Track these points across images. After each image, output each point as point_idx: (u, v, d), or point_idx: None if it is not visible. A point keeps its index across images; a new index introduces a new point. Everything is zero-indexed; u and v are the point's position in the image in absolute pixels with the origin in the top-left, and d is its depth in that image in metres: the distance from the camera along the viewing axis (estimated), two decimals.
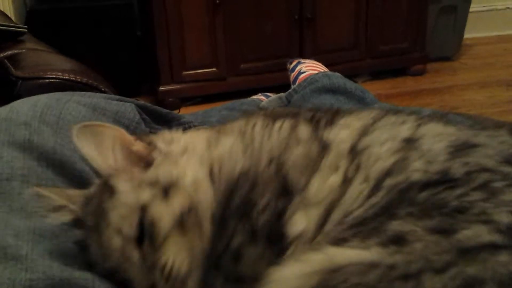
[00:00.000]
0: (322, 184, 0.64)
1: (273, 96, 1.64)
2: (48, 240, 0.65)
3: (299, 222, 0.62)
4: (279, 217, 0.63)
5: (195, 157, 0.72)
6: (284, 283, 0.53)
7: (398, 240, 0.50)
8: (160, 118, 1.06)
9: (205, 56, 3.16)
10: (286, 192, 0.65)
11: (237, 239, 0.63)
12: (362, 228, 0.55)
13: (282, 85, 1.85)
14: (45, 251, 0.63)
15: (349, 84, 1.50)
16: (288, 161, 0.67)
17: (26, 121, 0.76)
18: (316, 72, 1.63)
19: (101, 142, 0.67)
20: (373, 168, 0.62)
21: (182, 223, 0.65)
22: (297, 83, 1.61)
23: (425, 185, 0.57)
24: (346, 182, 0.63)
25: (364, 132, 0.67)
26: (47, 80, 1.46)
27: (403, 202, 0.56)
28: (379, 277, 0.48)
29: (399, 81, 3.49)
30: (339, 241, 0.54)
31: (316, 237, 0.61)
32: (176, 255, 0.63)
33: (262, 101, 1.62)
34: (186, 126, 1.10)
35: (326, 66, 1.79)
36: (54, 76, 1.47)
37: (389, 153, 0.62)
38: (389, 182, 0.59)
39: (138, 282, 0.63)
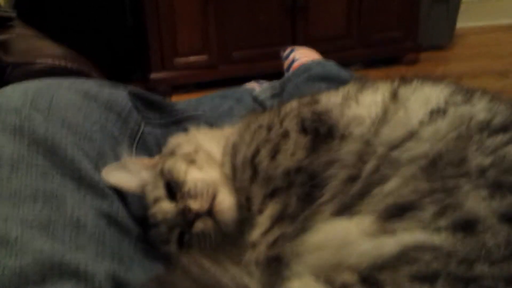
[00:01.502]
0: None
1: (266, 84, 1.63)
2: (37, 227, 0.64)
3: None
4: None
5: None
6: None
7: (468, 227, 0.52)
8: (153, 105, 1.05)
9: (197, 43, 3.14)
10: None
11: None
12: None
13: (275, 73, 1.84)
14: (35, 237, 0.62)
15: (343, 72, 1.50)
16: None
17: (16, 108, 0.74)
18: (310, 59, 1.62)
19: (128, 170, 0.84)
20: None
21: (193, 160, 0.81)
22: (290, 71, 1.60)
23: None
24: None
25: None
26: (38, 66, 1.44)
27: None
28: (434, 259, 0.50)
29: (392, 70, 3.49)
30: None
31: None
32: (197, 180, 0.78)
33: (256, 89, 1.61)
34: (178, 113, 1.09)
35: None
36: (44, 62, 1.45)
37: None
38: None
39: (176, 224, 0.78)
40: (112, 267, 0.68)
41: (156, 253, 0.82)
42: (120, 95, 0.94)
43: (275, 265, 0.63)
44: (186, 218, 0.76)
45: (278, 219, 0.69)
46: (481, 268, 0.49)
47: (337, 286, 0.54)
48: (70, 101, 0.83)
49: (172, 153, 0.85)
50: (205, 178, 0.79)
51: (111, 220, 0.74)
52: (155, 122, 1.03)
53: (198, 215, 0.75)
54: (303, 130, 0.73)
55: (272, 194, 0.72)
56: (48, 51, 1.57)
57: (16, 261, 0.58)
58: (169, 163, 0.82)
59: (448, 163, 0.59)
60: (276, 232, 0.68)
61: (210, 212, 0.76)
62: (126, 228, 0.77)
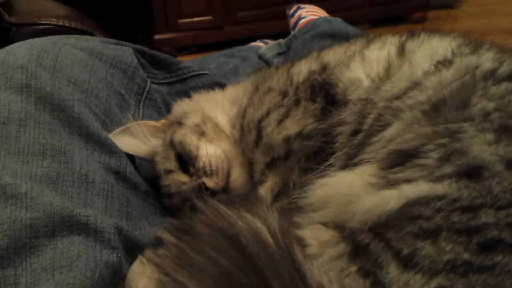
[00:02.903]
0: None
1: (272, 42, 1.61)
2: (45, 182, 0.64)
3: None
4: None
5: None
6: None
7: (474, 174, 0.52)
8: (159, 63, 1.04)
9: (201, 4, 3.10)
10: None
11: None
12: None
13: (280, 34, 1.81)
14: (44, 191, 0.62)
15: (351, 29, 1.48)
16: None
17: (22, 65, 0.74)
18: (316, 17, 1.59)
19: (135, 135, 0.85)
20: None
21: (202, 132, 0.82)
22: (297, 29, 1.58)
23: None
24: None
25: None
26: (42, 27, 1.43)
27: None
28: (438, 209, 0.51)
29: (399, 29, 3.37)
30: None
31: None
32: (211, 156, 0.78)
33: (261, 47, 1.59)
34: (184, 71, 1.08)
35: None
36: (48, 22, 1.44)
37: None
38: None
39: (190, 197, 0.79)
40: (120, 222, 0.68)
41: (164, 210, 0.83)
42: (125, 52, 0.93)
43: (285, 215, 0.63)
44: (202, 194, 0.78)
45: (278, 195, 0.72)
46: (486, 216, 0.49)
47: (347, 231, 0.55)
48: (76, 58, 0.82)
49: (180, 123, 0.85)
50: (218, 153, 0.80)
51: (119, 176, 0.75)
52: (160, 80, 1.03)
53: (214, 192, 0.78)
54: (312, 98, 0.75)
55: (271, 164, 0.74)
56: (51, 11, 1.55)
57: (27, 214, 0.59)
58: (179, 135, 0.83)
59: (451, 107, 0.59)
60: (277, 206, 0.69)
61: (225, 188, 0.78)
62: (134, 184, 0.78)
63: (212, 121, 0.84)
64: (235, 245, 0.51)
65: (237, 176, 0.79)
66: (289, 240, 0.53)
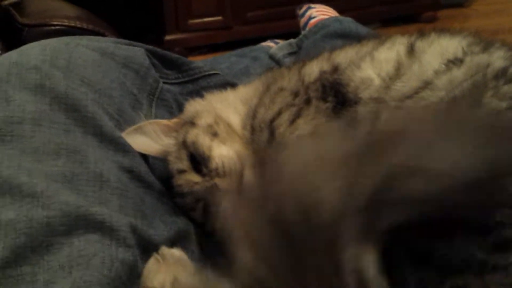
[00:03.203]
0: None
1: (282, 42, 1.61)
2: (61, 181, 0.65)
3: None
4: None
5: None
6: None
7: None
8: (170, 63, 1.04)
9: (211, 4, 3.10)
10: None
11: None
12: None
13: (290, 33, 1.80)
14: (60, 190, 0.63)
15: (361, 28, 1.47)
16: None
17: (36, 65, 0.74)
18: (327, 17, 1.59)
19: (148, 134, 0.85)
20: None
21: (215, 132, 0.82)
22: (307, 29, 1.58)
23: None
24: None
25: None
26: (53, 28, 1.44)
27: None
28: None
29: (410, 29, 3.40)
30: None
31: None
32: (223, 157, 0.79)
33: (272, 47, 1.59)
34: (195, 71, 1.09)
35: None
36: (60, 23, 1.45)
37: None
38: None
39: (206, 195, 0.80)
40: (134, 221, 0.69)
41: (178, 209, 0.83)
42: (137, 52, 0.94)
43: None
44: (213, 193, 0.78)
45: None
46: None
47: None
48: (89, 59, 0.83)
49: (192, 123, 0.85)
50: (231, 154, 0.79)
51: (133, 174, 0.75)
52: (172, 80, 1.03)
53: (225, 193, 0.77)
54: (323, 97, 0.75)
55: None
56: (63, 12, 1.56)
57: (43, 212, 0.59)
58: (192, 136, 0.83)
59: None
60: None
61: (238, 190, 0.78)
62: (148, 183, 0.78)
63: (224, 122, 0.85)
64: None
65: (249, 176, 0.78)
66: None
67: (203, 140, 0.81)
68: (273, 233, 0.49)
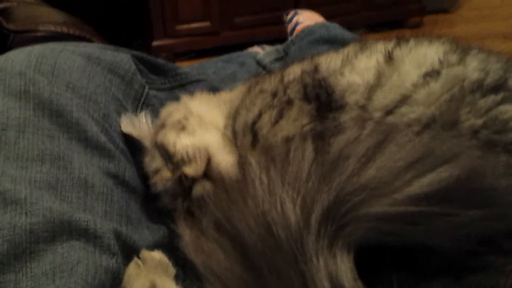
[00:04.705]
0: None
1: (270, 48, 1.62)
2: (45, 188, 0.65)
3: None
4: None
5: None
6: None
7: None
8: (157, 69, 1.04)
9: (198, 9, 3.10)
10: None
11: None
12: None
13: (278, 39, 1.81)
14: (44, 196, 0.63)
15: (347, 34, 1.48)
16: None
17: (21, 71, 0.74)
18: (314, 22, 1.60)
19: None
20: None
21: (183, 126, 0.81)
22: (294, 35, 1.58)
23: None
24: None
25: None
26: (40, 34, 1.44)
27: None
28: None
29: (396, 34, 3.41)
30: None
31: None
32: (187, 146, 0.78)
33: (259, 53, 1.59)
34: (182, 77, 1.09)
35: None
36: (46, 29, 1.44)
37: None
38: None
39: (177, 194, 0.79)
40: (119, 227, 0.69)
41: (163, 215, 0.83)
42: (123, 58, 0.94)
43: None
44: (184, 184, 0.77)
45: None
46: None
47: None
48: (74, 64, 0.82)
49: (163, 125, 0.85)
50: (196, 142, 0.79)
51: (118, 180, 0.75)
52: (159, 86, 1.03)
53: (194, 180, 0.76)
54: (306, 98, 0.75)
55: None
56: (49, 18, 1.56)
57: (27, 219, 0.59)
58: (160, 137, 0.83)
59: (442, 126, 0.60)
60: None
61: (208, 175, 0.77)
62: (133, 188, 0.78)
63: (195, 115, 0.84)
64: None
65: (221, 159, 0.78)
66: None
67: (169, 138, 0.81)
68: (237, 258, 0.51)
